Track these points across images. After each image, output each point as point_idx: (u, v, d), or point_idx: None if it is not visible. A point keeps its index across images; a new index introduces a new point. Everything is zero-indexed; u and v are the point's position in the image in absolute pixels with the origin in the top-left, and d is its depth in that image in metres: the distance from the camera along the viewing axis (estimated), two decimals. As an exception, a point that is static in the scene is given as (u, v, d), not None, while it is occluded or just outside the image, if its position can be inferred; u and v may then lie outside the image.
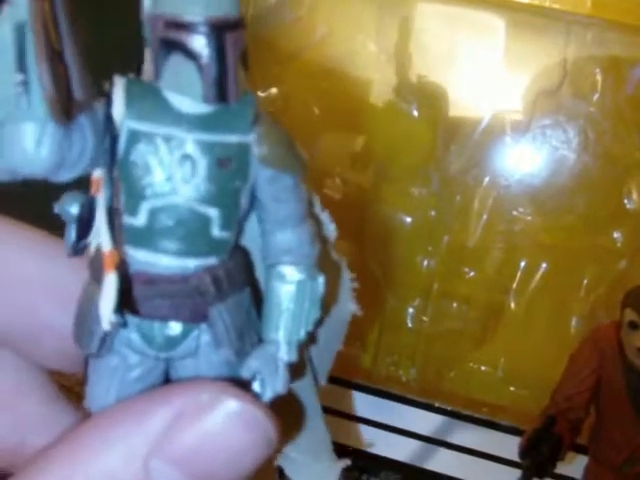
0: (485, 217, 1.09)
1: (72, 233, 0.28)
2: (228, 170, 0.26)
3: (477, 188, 1.09)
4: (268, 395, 0.28)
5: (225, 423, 0.25)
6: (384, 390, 1.09)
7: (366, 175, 1.13)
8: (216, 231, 0.27)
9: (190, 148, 0.26)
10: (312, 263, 0.28)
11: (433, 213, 1.11)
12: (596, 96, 1.05)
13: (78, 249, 0.28)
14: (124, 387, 0.28)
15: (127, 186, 0.26)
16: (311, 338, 0.32)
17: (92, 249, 0.28)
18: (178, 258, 0.27)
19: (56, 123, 0.24)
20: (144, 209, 0.26)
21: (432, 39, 1.09)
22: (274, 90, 1.13)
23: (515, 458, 0.89)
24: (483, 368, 1.13)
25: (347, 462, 0.34)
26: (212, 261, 0.27)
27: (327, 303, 0.31)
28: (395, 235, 1.13)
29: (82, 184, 0.27)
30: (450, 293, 1.12)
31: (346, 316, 0.34)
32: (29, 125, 0.24)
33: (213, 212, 0.26)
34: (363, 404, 1.09)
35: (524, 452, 0.84)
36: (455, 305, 1.11)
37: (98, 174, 0.27)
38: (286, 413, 0.32)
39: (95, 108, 0.26)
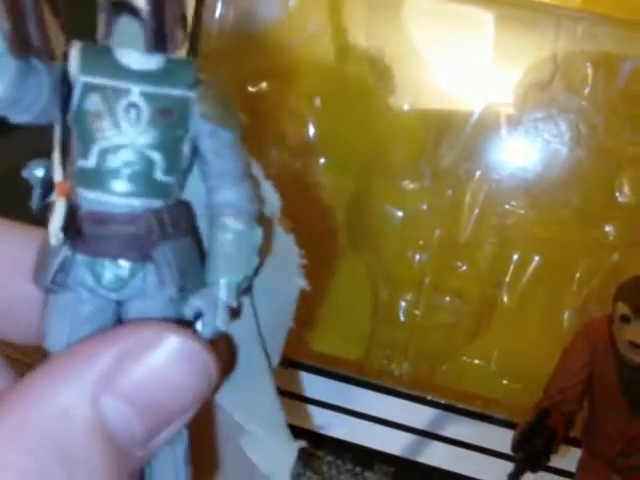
0: (477, 211, 1.09)
1: (37, 192, 0.31)
2: (169, 119, 0.30)
3: (469, 182, 1.09)
4: (209, 331, 0.31)
5: (168, 358, 0.27)
6: (377, 384, 1.10)
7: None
8: (159, 174, 0.30)
9: (136, 98, 0.29)
10: (251, 216, 0.32)
11: (425, 207, 1.11)
12: (587, 90, 1.05)
13: (42, 206, 0.31)
14: (77, 323, 0.30)
15: (80, 132, 0.29)
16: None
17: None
18: (125, 198, 0.30)
19: (12, 57, 0.27)
20: (94, 151, 0.29)
21: (422, 34, 1.09)
22: (264, 85, 1.13)
23: (508, 451, 0.89)
24: (476, 362, 1.13)
25: (302, 444, 0.37)
26: (157, 204, 0.30)
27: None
28: (386, 229, 1.13)
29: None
30: (442, 287, 1.12)
31: (294, 292, 0.36)
32: None
33: (156, 156, 0.30)
34: (356, 398, 1.09)
35: (517, 445, 0.84)
36: (448, 299, 1.12)
37: (57, 135, 0.30)
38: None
39: (53, 64, 0.29)
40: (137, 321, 0.30)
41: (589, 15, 1.04)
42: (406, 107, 1.09)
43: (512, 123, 1.07)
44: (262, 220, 0.32)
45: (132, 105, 0.29)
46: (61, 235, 0.29)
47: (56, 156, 0.30)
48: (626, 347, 0.82)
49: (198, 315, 0.31)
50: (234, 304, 0.31)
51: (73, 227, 0.29)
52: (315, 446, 1.09)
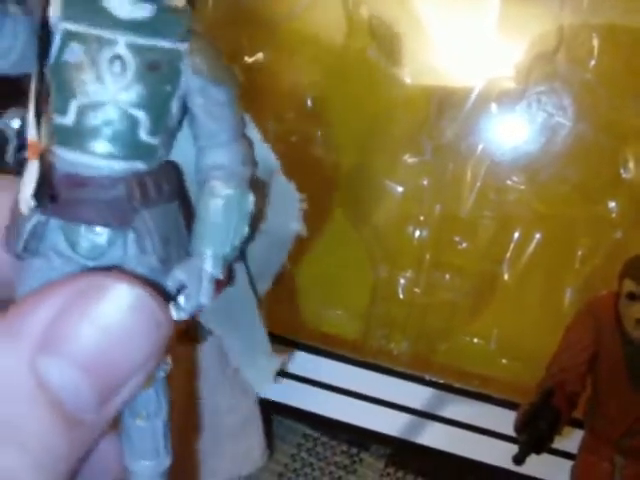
0: (478, 186, 1.07)
1: (13, 144, 0.31)
2: (157, 74, 0.27)
3: (470, 156, 1.07)
4: (191, 306, 0.28)
5: (113, 309, 0.24)
6: (374, 363, 1.08)
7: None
8: (144, 135, 0.28)
9: (121, 49, 0.27)
10: (243, 181, 0.29)
11: (425, 182, 1.09)
12: (592, 62, 1.03)
13: (19, 159, 0.31)
14: None
15: (58, 85, 0.27)
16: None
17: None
18: (105, 159, 0.27)
19: None
20: (73, 107, 0.27)
21: (425, 5, 1.07)
22: (261, 55, 1.11)
23: (507, 431, 0.88)
24: (476, 340, 1.12)
25: (285, 358, 0.38)
26: (140, 166, 0.28)
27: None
28: (386, 204, 1.11)
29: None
30: (442, 264, 1.10)
31: (289, 235, 0.35)
32: None
33: (141, 115, 0.27)
34: (353, 377, 1.07)
35: (521, 427, 0.82)
36: (448, 277, 1.10)
37: (34, 87, 0.27)
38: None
39: (31, 8, 0.26)
40: (83, 272, 0.27)
41: (594, -14, 1.02)
42: (408, 80, 1.08)
43: (515, 97, 1.05)
44: (255, 185, 0.30)
45: (117, 57, 0.27)
46: (33, 202, 0.27)
47: (31, 111, 0.27)
48: (633, 325, 0.80)
49: (181, 288, 0.28)
50: (220, 276, 0.29)
51: (47, 192, 0.27)
52: (310, 427, 1.08)
